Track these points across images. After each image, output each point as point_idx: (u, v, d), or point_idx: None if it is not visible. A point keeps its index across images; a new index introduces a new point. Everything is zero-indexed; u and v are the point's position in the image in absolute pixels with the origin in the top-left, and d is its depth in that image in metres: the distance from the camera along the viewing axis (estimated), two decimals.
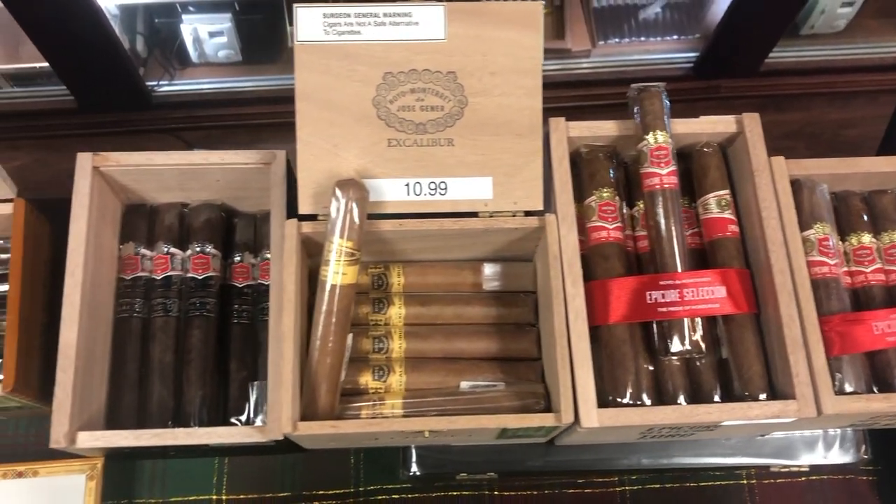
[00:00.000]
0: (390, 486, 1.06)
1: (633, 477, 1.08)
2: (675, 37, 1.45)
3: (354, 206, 0.85)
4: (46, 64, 1.29)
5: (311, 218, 0.91)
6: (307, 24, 0.88)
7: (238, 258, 1.08)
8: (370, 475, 1.06)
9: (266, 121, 2.20)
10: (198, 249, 1.05)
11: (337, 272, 0.86)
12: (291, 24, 1.79)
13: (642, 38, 1.48)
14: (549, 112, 0.92)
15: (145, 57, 1.96)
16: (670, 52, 1.48)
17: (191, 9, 1.47)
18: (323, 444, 0.95)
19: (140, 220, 1.06)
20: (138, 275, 1.03)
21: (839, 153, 0.98)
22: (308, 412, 0.86)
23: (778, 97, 1.58)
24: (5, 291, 0.96)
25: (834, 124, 1.51)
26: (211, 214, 1.07)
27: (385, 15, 0.89)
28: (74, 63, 1.28)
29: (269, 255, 1.07)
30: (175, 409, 0.99)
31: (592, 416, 0.83)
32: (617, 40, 1.48)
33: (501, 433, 0.88)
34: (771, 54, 1.40)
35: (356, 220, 0.85)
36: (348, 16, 0.88)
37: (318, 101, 0.89)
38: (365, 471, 1.06)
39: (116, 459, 1.03)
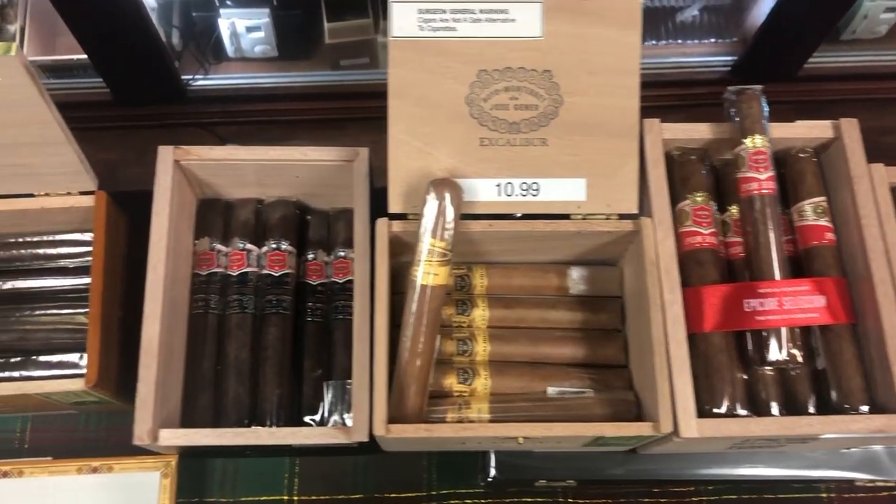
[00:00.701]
0: (463, 491, 1.04)
1: (710, 487, 1.05)
2: (713, 40, 1.43)
3: (449, 206, 0.83)
4: (83, 56, 1.28)
5: (400, 217, 0.89)
6: (402, 20, 0.87)
7: (311, 256, 1.06)
8: (443, 479, 1.04)
9: (298, 117, 2.19)
10: (273, 246, 1.04)
11: (428, 272, 0.84)
12: (329, 20, 1.78)
13: (679, 41, 1.46)
14: None
15: (180, 50, 1.95)
16: (708, 55, 1.45)
17: (228, 3, 1.46)
18: (407, 447, 0.94)
19: (215, 215, 1.05)
20: (214, 270, 1.02)
21: (877, 160, 0.95)
22: (396, 414, 0.84)
23: (815, 103, 1.55)
24: (86, 284, 0.96)
25: (872, 131, 1.47)
26: (286, 211, 1.06)
27: (481, 11, 0.87)
28: (113, 55, 1.27)
29: (342, 253, 1.05)
30: (251, 408, 0.97)
31: (692, 426, 0.81)
32: (654, 42, 1.47)
33: (592, 441, 0.86)
34: (809, 59, 1.38)
35: (450, 220, 0.83)
36: (444, 12, 0.87)
37: (410, 98, 0.87)
38: (438, 474, 1.04)
39: (188, 457, 1.01)
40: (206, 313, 1.00)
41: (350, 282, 1.04)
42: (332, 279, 1.05)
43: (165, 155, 0.96)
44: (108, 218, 0.95)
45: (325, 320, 1.03)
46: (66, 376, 0.95)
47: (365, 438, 0.86)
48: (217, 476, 1.04)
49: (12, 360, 0.95)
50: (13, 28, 1.38)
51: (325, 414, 0.99)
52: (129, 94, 1.37)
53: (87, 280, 1.00)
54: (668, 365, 0.82)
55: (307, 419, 0.99)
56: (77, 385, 0.89)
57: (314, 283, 1.05)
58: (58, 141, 0.88)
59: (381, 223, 0.88)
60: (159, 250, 0.92)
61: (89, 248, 1.00)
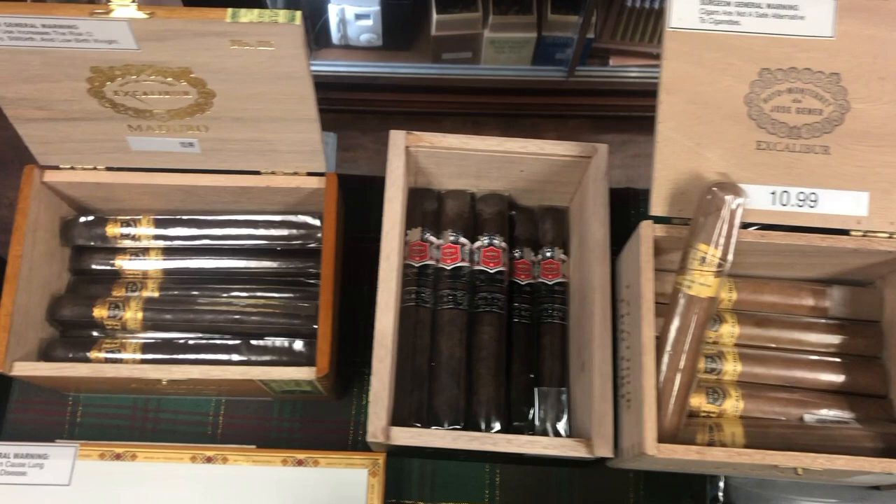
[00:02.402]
0: None
1: None
2: None
3: (734, 212, 0.77)
4: None
5: (664, 220, 0.83)
6: (682, 11, 0.81)
7: (518, 254, 1.01)
8: (651, 498, 0.98)
9: (396, 109, 2.13)
10: (487, 241, 0.99)
11: (700, 283, 0.78)
12: (438, 11, 1.71)
13: None
14: None
15: None
16: None
17: None
18: (658, 467, 0.88)
19: (426, 206, 1.01)
20: (427, 263, 0.97)
21: None
22: None
23: None
24: (297, 268, 0.92)
25: None
26: (501, 206, 1.01)
27: (769, 6, 0.80)
28: None
29: (549, 254, 1.01)
30: (465, 410, 0.92)
31: None
32: None
33: (851, 475, 0.80)
34: None
35: (731, 228, 0.77)
36: (728, 4, 0.81)
37: (684, 94, 0.81)
38: (646, 492, 0.98)
39: (390, 456, 0.97)
40: (418, 307, 0.96)
41: (560, 284, 0.99)
42: (541, 280, 1.00)
43: (397, 140, 0.91)
44: (338, 201, 0.91)
45: (531, 322, 0.98)
46: (281, 362, 0.91)
47: (609, 454, 0.80)
48: (415, 478, 0.99)
49: (230, 342, 0.91)
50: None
51: (536, 421, 0.94)
52: None
53: (297, 264, 0.97)
54: None
55: (515, 424, 0.94)
56: (307, 374, 0.84)
57: (522, 283, 1.00)
58: (309, 118, 0.84)
59: (646, 226, 0.82)
60: (392, 239, 0.88)
61: (303, 231, 0.96)
